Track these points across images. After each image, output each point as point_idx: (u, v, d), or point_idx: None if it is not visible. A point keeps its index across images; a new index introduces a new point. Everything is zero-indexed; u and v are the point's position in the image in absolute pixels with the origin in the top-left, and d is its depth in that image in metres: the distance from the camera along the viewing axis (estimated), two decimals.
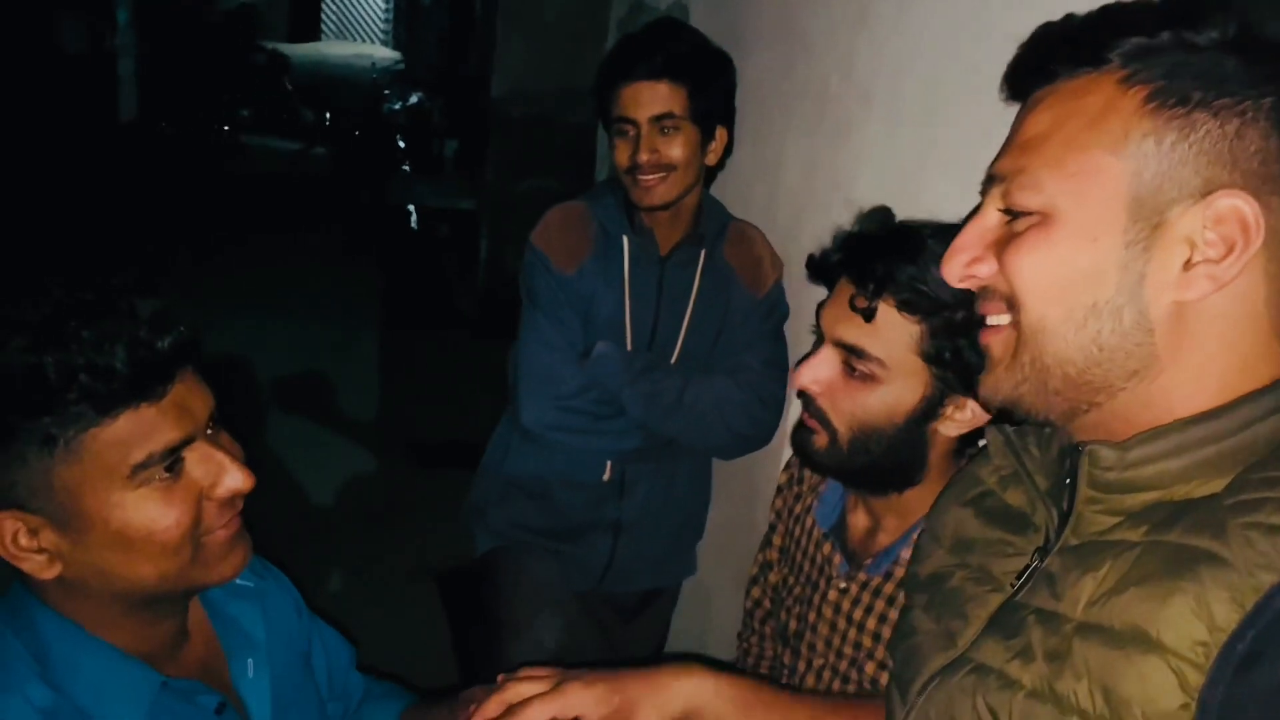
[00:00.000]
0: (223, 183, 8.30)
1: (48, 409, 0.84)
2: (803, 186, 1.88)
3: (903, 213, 1.55)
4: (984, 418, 1.16)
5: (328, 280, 6.25)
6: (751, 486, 2.02)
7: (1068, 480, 0.78)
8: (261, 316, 5.36)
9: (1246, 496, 0.65)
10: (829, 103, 1.77)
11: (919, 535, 1.05)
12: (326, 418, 4.53)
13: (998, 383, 0.78)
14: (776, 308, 1.91)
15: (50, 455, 0.85)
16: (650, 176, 1.75)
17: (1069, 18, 0.77)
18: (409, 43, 14.40)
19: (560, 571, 1.97)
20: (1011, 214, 0.76)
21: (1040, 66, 0.76)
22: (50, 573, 0.90)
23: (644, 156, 1.73)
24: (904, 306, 1.12)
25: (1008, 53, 1.29)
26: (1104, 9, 0.75)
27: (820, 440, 1.22)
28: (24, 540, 0.89)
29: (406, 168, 8.30)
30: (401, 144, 8.48)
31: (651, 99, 1.72)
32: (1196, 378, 0.70)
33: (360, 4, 22.40)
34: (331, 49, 19.96)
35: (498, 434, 2.09)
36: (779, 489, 1.53)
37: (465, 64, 7.52)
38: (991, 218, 0.78)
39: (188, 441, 0.92)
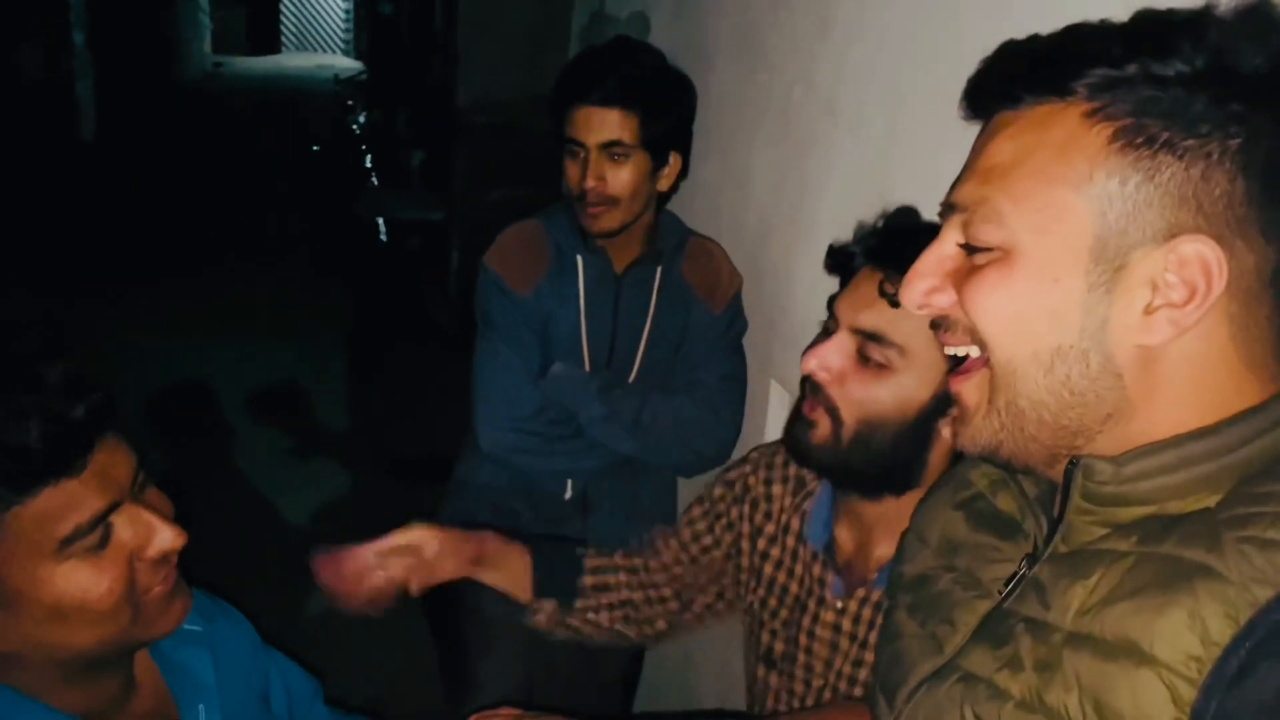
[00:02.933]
0: (190, 202, 8.23)
1: None
2: (771, 197, 1.88)
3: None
4: None
5: (299, 298, 6.20)
6: None
7: (1058, 491, 0.76)
8: (234, 337, 5.31)
9: (1242, 510, 0.64)
10: (793, 113, 1.78)
11: (904, 533, 1.03)
12: (302, 437, 4.49)
13: (975, 433, 0.77)
14: (734, 323, 1.92)
15: None
16: (595, 207, 1.73)
17: (1034, 38, 0.74)
18: (370, 53, 14.31)
19: None
20: (971, 248, 0.74)
21: (1004, 90, 0.74)
22: None
23: (590, 183, 1.71)
24: None
25: (966, 59, 1.30)
26: (1069, 30, 0.72)
27: (821, 432, 1.18)
28: None
29: (374, 181, 8.26)
30: (367, 157, 8.44)
31: (602, 125, 1.69)
32: (1172, 418, 0.69)
33: (320, 15, 22.25)
34: (292, 61, 19.86)
35: (462, 453, 2.08)
36: (744, 470, 1.46)
37: (429, 74, 7.48)
38: (949, 247, 0.76)
39: (113, 508, 0.90)
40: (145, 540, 0.92)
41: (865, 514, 1.26)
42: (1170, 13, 0.69)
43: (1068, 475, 0.73)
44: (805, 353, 1.19)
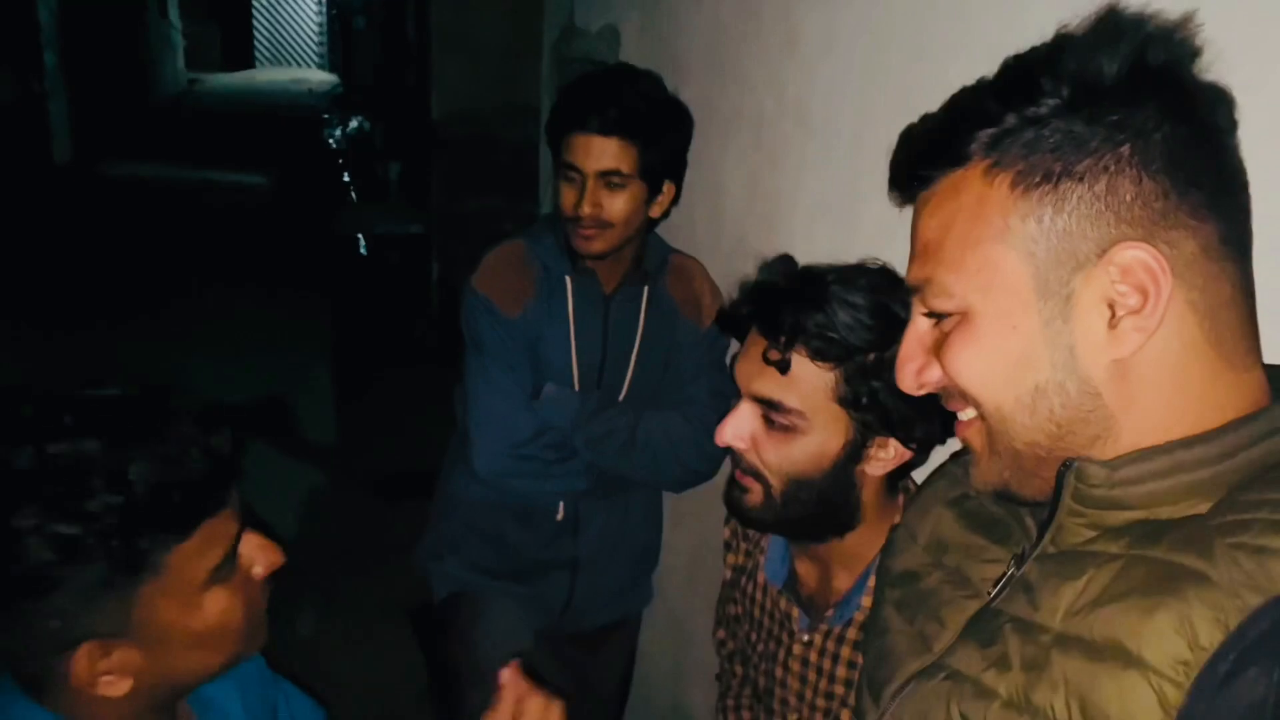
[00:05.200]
0: (166, 222, 8.20)
1: (139, 531, 0.84)
2: (745, 208, 1.89)
3: (840, 232, 1.57)
4: (906, 455, 1.18)
5: (280, 316, 6.18)
6: (712, 510, 2.02)
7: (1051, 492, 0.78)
8: (215, 355, 5.28)
9: (1234, 517, 0.65)
10: (764, 126, 1.79)
11: (894, 527, 1.04)
12: (285, 453, 4.48)
13: (985, 475, 0.80)
14: (719, 338, 1.91)
15: (137, 579, 0.86)
16: (589, 229, 1.74)
17: (925, 118, 0.82)
18: (345, 66, 14.29)
19: (520, 612, 1.96)
20: (936, 317, 0.79)
21: (913, 175, 0.79)
22: (123, 689, 0.90)
23: (586, 210, 1.71)
24: (817, 355, 1.13)
25: (928, 69, 1.31)
26: (951, 103, 0.80)
27: (754, 496, 1.21)
28: (100, 666, 0.88)
29: (353, 195, 8.23)
30: (345, 172, 8.41)
31: (600, 154, 1.69)
32: (1155, 422, 0.71)
33: (293, 29, 22.18)
34: (266, 75, 19.79)
35: (445, 477, 2.07)
36: (726, 544, 1.52)
37: (403, 86, 7.47)
38: (922, 324, 0.81)
39: (240, 534, 0.95)
40: (257, 560, 0.98)
41: (818, 552, 1.29)
42: (1031, 52, 0.75)
43: (1060, 477, 0.74)
44: (720, 423, 1.22)
